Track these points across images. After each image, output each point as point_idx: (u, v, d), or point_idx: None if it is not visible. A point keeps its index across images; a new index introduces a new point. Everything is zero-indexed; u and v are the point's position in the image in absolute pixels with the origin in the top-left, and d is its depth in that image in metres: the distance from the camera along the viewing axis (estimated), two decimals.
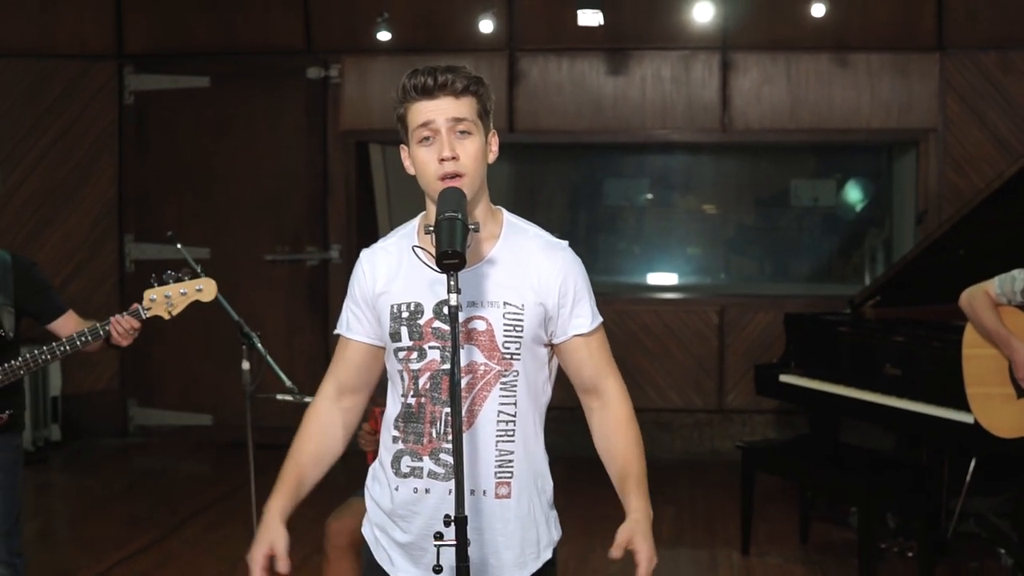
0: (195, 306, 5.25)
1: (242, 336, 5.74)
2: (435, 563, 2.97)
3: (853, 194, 11.02)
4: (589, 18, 8.85)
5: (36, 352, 5.11)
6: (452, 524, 2.92)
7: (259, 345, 5.74)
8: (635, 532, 3.21)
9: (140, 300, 5.14)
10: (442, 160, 3.17)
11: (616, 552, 3.22)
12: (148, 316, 5.11)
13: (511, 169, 11.41)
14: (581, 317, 3.33)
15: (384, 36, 9.56)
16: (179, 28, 10.29)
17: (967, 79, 9.54)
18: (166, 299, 5.11)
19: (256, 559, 3.29)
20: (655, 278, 11.27)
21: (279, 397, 5.74)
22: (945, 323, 6.78)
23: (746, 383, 9.47)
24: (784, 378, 7.69)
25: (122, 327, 5.10)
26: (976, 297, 5.97)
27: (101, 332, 5.10)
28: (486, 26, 9.40)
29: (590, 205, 11.59)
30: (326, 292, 10.18)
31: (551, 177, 11.56)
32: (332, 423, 3.46)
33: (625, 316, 9.92)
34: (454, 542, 2.92)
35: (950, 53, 9.55)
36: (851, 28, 9.62)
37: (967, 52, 9.54)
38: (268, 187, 10.22)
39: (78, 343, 5.10)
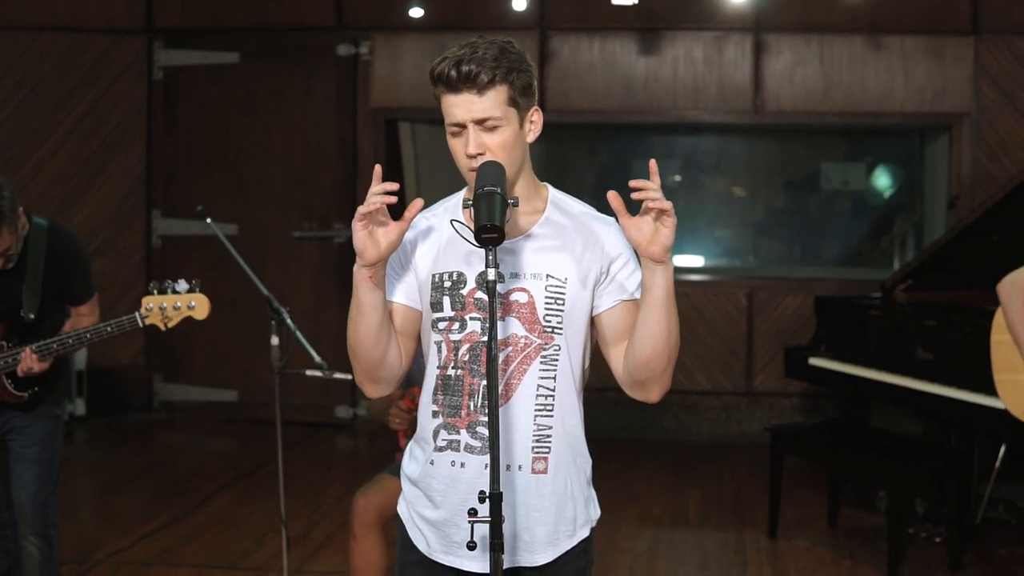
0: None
1: (271, 312, 5.72)
2: (469, 540, 2.95)
3: (883, 178, 10.95)
4: None
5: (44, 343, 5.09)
6: (487, 500, 2.90)
7: (288, 321, 5.71)
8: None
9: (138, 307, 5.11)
10: (468, 156, 3.15)
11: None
12: (146, 324, 5.09)
13: (540, 148, 11.37)
14: (630, 283, 3.27)
15: (415, 13, 9.53)
16: (209, 3, 10.26)
17: (1002, 64, 9.45)
18: (161, 311, 5.08)
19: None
20: (683, 260, 11.22)
21: (308, 372, 5.73)
22: (977, 308, 6.73)
23: (774, 366, 9.45)
24: (814, 361, 7.66)
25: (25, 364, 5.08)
26: (1017, 287, 5.57)
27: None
28: (518, 4, 9.33)
29: (619, 186, 11.48)
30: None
31: (580, 157, 11.51)
32: None
33: None
34: (488, 519, 2.90)
35: (985, 38, 9.46)
36: (885, 11, 9.53)
37: (1002, 37, 9.44)
38: (297, 164, 10.20)
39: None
